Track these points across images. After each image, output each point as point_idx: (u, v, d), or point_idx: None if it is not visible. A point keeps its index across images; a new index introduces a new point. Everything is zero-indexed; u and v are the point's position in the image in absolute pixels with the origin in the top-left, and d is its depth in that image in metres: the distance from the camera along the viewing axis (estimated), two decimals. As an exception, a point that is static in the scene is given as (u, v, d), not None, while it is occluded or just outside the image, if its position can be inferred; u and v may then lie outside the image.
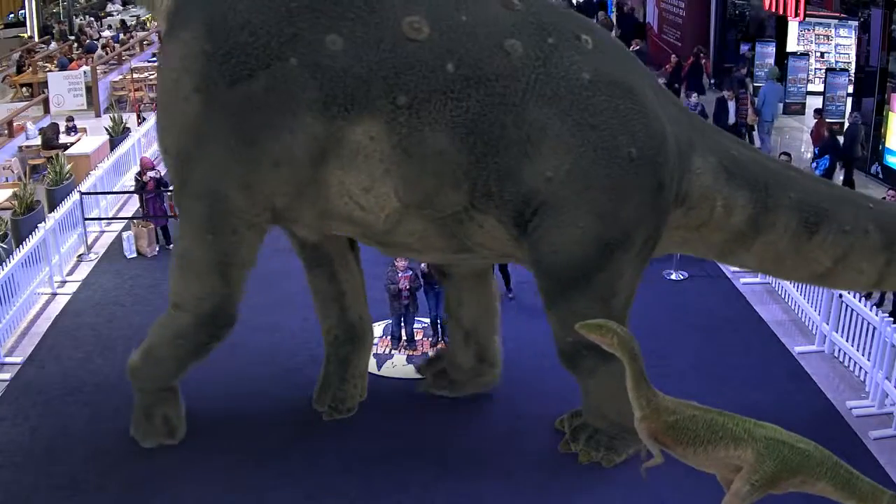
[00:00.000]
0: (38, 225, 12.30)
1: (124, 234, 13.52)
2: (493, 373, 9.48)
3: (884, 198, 12.16)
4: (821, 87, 20.13)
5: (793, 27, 22.50)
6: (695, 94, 17.30)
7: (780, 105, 19.83)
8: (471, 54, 7.28)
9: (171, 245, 13.32)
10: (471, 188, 7.50)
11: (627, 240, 7.64)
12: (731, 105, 17.09)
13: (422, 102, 7.24)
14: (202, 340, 8.26)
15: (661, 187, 7.68)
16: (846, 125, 17.35)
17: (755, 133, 18.44)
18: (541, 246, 7.63)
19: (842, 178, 15.61)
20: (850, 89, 19.69)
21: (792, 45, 22.59)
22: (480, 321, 9.29)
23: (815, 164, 15.64)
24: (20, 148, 18.22)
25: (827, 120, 19.02)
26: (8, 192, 14.79)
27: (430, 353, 10.33)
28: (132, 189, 14.67)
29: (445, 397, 9.58)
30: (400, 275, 10.25)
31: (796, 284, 11.46)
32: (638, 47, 22.81)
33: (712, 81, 22.07)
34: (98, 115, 21.32)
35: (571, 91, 7.36)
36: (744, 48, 22.73)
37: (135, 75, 23.40)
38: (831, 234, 8.11)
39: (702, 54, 21.63)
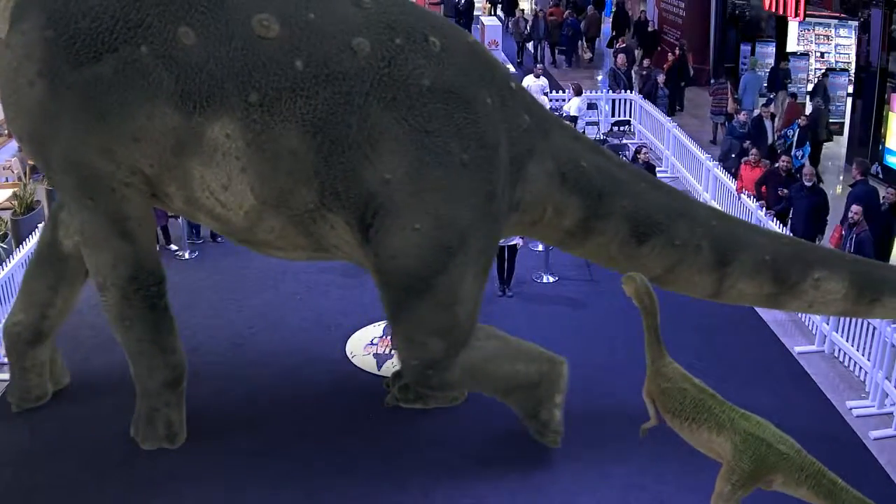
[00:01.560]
0: (38, 225, 12.29)
1: (124, 234, 13.49)
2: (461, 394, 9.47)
3: (884, 196, 12.18)
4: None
5: (793, 27, 22.51)
6: (744, 112, 16.47)
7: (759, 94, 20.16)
8: (319, 52, 7.34)
9: (171, 245, 13.33)
10: (321, 187, 7.56)
11: (465, 244, 7.71)
12: (769, 123, 16.39)
13: (273, 100, 7.30)
14: (142, 308, 8.22)
15: (493, 195, 7.78)
16: (809, 109, 17.95)
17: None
18: (380, 252, 7.68)
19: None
20: (850, 89, 19.73)
21: (792, 45, 22.60)
22: None
23: (799, 153, 15.41)
24: (20, 148, 18.17)
25: (831, 120, 19.17)
26: (8, 192, 14.77)
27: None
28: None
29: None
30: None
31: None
32: (625, 45, 22.95)
33: (691, 75, 22.03)
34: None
35: (410, 97, 7.41)
36: (744, 48, 22.74)
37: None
38: (659, 246, 8.30)
39: (686, 48, 21.77)
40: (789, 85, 19.82)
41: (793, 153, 15.32)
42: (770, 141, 16.04)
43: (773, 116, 16.95)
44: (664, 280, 8.60)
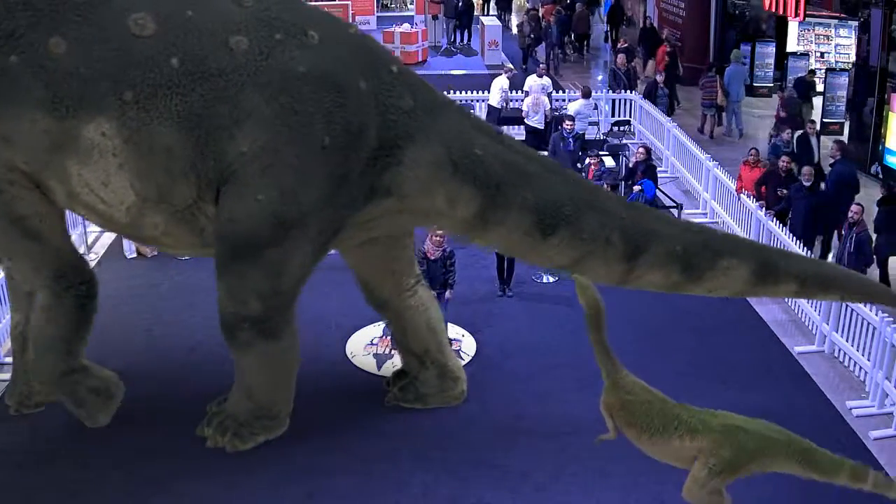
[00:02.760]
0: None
1: (124, 234, 13.51)
2: (457, 387, 9.47)
3: (883, 194, 12.23)
4: (821, 87, 20.13)
5: (793, 27, 22.51)
6: (788, 131, 15.74)
7: (744, 86, 20.25)
8: (195, 50, 7.45)
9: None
10: (197, 181, 7.68)
11: (303, 222, 7.80)
12: (815, 141, 15.55)
13: (148, 98, 7.39)
14: (72, 307, 8.40)
15: (344, 181, 7.84)
16: (783, 98, 18.27)
17: (724, 113, 19.67)
18: (221, 213, 7.80)
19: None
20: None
21: (792, 45, 22.60)
22: (429, 343, 9.31)
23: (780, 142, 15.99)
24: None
25: (825, 120, 19.17)
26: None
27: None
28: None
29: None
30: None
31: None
32: (626, 45, 22.98)
33: (679, 72, 21.95)
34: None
35: (284, 80, 7.56)
36: (744, 48, 22.74)
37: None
38: (567, 239, 8.19)
39: (678, 45, 21.84)
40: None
41: (774, 142, 16.19)
42: (817, 159, 15.01)
43: (818, 134, 16.26)
44: (570, 270, 8.48)
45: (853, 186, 13.30)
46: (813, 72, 19.69)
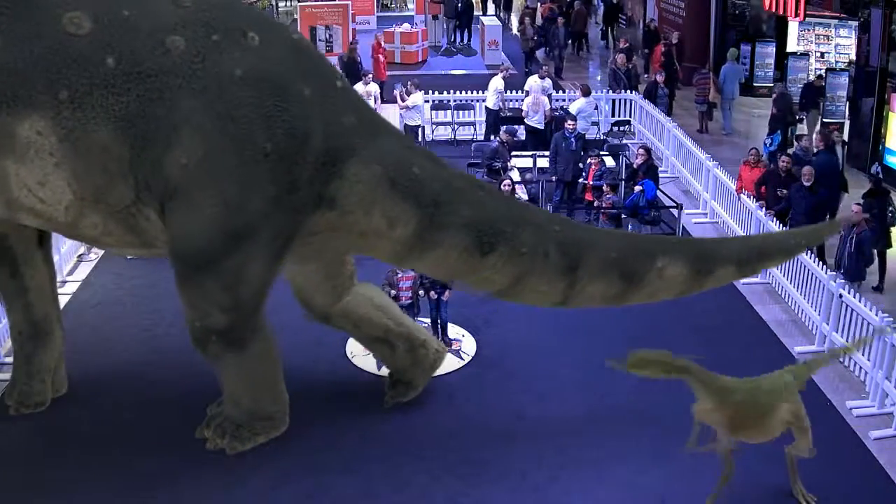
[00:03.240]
0: (38, 225, 12.28)
1: (124, 234, 13.49)
2: (430, 352, 9.43)
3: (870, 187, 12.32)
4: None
5: (793, 27, 22.50)
6: (805, 139, 15.26)
7: (738, 84, 20.43)
8: (131, 49, 7.37)
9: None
10: (135, 182, 7.62)
11: (254, 232, 7.77)
12: (839, 150, 15.47)
13: (83, 97, 7.33)
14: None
15: (293, 187, 7.78)
16: (775, 95, 18.13)
17: (716, 110, 19.93)
18: (172, 229, 7.79)
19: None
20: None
21: (792, 45, 22.60)
22: (384, 321, 9.29)
23: (768, 141, 16.63)
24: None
25: (825, 120, 19.18)
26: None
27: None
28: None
29: (443, 398, 9.59)
30: (400, 275, 10.25)
31: (796, 284, 11.47)
32: (627, 45, 23.00)
33: (677, 72, 21.87)
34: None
35: (220, 85, 7.46)
36: (744, 48, 22.75)
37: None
38: (506, 256, 8.13)
39: (673, 43, 21.84)
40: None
41: (764, 140, 16.83)
42: (840, 168, 14.59)
43: (844, 143, 16.09)
44: (510, 293, 8.44)
45: (834, 177, 13.49)
46: (821, 76, 19.35)
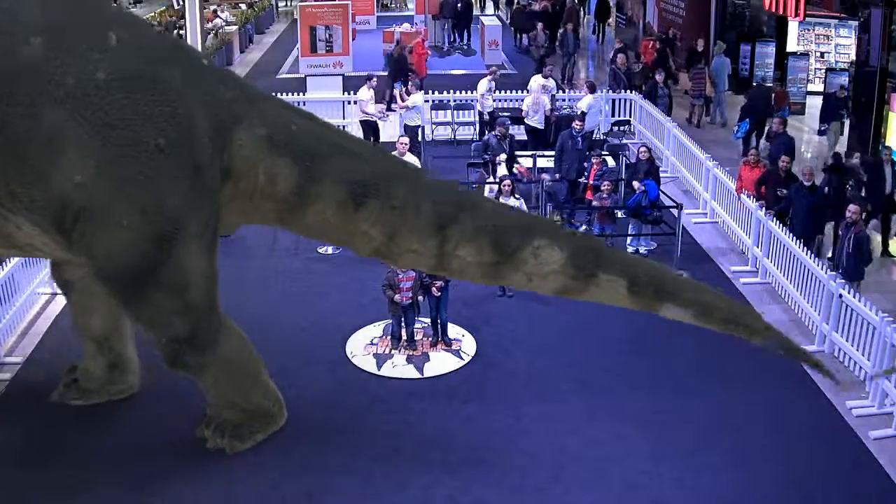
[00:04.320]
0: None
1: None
2: (125, 381, 9.44)
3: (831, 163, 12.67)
4: (821, 87, 20.15)
5: (793, 27, 22.51)
6: (857, 154, 14.57)
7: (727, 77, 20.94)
8: None
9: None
10: (6, 184, 7.41)
11: (181, 228, 7.67)
12: (889, 169, 14.24)
13: None
14: None
15: (200, 169, 7.72)
16: (754, 87, 19.15)
17: (712, 104, 20.43)
18: (94, 254, 7.65)
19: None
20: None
21: (792, 45, 22.61)
22: (112, 329, 9.25)
23: (735, 128, 17.97)
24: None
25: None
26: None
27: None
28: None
29: (443, 398, 9.60)
30: (400, 275, 10.25)
31: (796, 284, 11.47)
32: (622, 45, 23.11)
33: (672, 68, 21.95)
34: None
35: (85, 92, 7.26)
36: (744, 48, 22.76)
37: (135, 75, 23.37)
38: (378, 209, 8.08)
39: (668, 41, 22.06)
40: (841, 113, 17.91)
41: (735, 127, 18.06)
42: (889, 190, 13.62)
43: (892, 161, 14.95)
44: (387, 252, 8.40)
45: (791, 156, 14.05)
46: (844, 87, 18.32)
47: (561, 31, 26.32)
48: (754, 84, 19.48)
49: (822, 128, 18.10)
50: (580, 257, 8.10)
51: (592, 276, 8.11)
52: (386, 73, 21.27)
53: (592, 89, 17.88)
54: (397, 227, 8.14)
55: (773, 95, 18.68)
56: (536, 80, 18.19)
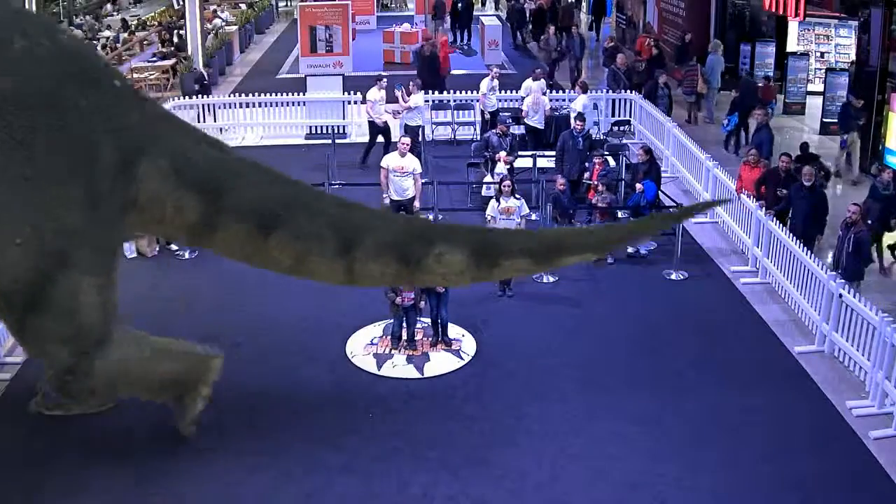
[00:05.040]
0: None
1: (124, 234, 13.49)
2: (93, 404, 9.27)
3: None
4: (821, 87, 20.15)
5: (793, 27, 22.50)
6: (889, 170, 13.56)
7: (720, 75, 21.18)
8: None
9: (172, 245, 13.32)
10: None
11: (72, 254, 7.55)
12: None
13: None
14: None
15: (97, 200, 7.61)
16: (742, 81, 19.40)
17: (703, 101, 20.59)
18: None
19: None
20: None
21: (792, 45, 22.60)
22: None
23: (725, 121, 18.27)
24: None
25: (825, 120, 19.21)
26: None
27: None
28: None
29: (443, 398, 9.60)
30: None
31: (796, 284, 11.47)
32: (612, 44, 23.24)
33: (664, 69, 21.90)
34: (98, 115, 21.30)
35: None
36: (744, 48, 22.77)
37: (135, 75, 23.42)
38: (285, 239, 8.20)
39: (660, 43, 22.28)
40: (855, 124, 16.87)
41: (722, 120, 18.44)
42: None
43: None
44: (300, 272, 8.53)
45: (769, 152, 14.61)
46: (856, 97, 17.15)
47: (552, 34, 26.23)
48: (740, 78, 19.91)
49: (843, 138, 16.89)
50: (480, 253, 8.47)
51: (496, 265, 8.59)
52: (416, 72, 21.39)
53: (585, 89, 17.91)
54: (304, 253, 8.28)
55: (759, 89, 18.98)
56: (530, 83, 18.18)
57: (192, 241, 8.64)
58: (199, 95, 19.83)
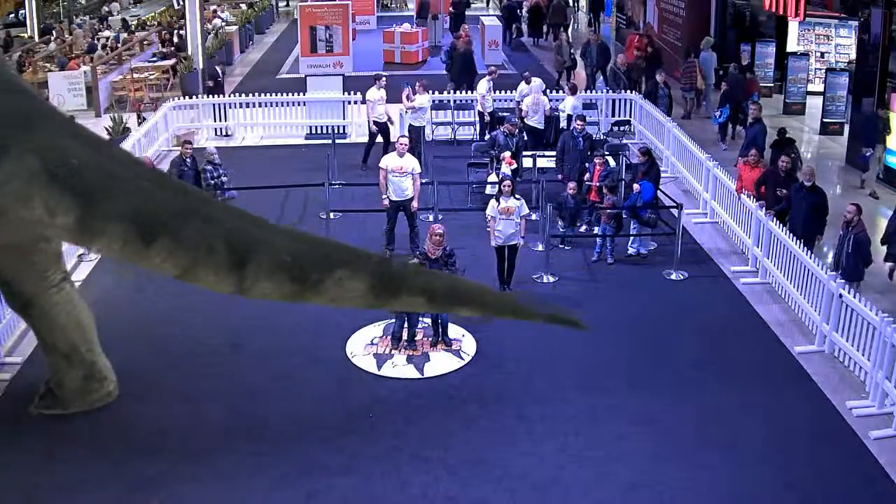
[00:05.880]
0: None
1: (124, 234, 13.47)
2: (103, 388, 9.45)
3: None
4: (821, 87, 20.15)
5: (793, 27, 22.50)
6: None
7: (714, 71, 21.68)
8: None
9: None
10: None
11: None
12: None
13: None
14: None
15: None
16: (728, 72, 19.99)
17: (702, 97, 21.06)
18: None
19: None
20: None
21: (792, 45, 22.60)
22: (77, 341, 9.26)
23: (718, 113, 18.71)
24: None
25: (825, 120, 19.21)
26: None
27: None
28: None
29: (443, 398, 9.60)
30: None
31: (796, 284, 11.47)
32: (599, 41, 23.41)
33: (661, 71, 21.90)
34: (98, 115, 21.29)
35: None
36: (744, 48, 22.76)
37: (135, 75, 23.40)
38: (169, 248, 8.02)
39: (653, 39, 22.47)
40: None
41: (713, 112, 19.19)
42: None
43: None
44: (190, 280, 8.35)
45: (760, 149, 14.48)
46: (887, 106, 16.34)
47: (565, 42, 26.02)
48: (728, 72, 20.24)
49: (867, 153, 15.94)
50: (382, 285, 8.49)
51: (395, 297, 8.66)
52: (447, 71, 21.61)
53: (574, 91, 17.90)
54: (191, 264, 8.08)
55: (745, 83, 19.45)
56: (524, 86, 18.15)
57: (73, 241, 8.53)
58: (213, 94, 19.78)
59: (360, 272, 8.30)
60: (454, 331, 10.87)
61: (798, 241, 11.55)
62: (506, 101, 18.87)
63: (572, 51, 24.23)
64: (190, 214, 8.10)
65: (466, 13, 31.10)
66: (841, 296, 10.25)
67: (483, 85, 18.33)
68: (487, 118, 18.08)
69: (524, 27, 31.18)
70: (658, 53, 22.27)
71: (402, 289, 8.56)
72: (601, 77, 22.54)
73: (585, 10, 34.37)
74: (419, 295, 8.60)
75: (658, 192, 13.87)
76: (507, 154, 14.68)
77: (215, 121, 19.58)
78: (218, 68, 21.54)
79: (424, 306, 8.94)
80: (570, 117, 16.68)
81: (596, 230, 13.57)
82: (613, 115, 19.48)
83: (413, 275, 8.92)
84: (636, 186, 13.45)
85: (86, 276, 12.65)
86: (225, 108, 19.61)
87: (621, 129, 18.99)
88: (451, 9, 30.73)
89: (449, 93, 19.78)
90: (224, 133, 19.69)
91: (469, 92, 19.61)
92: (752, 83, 19.77)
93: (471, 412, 9.33)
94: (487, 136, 16.77)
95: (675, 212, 13.18)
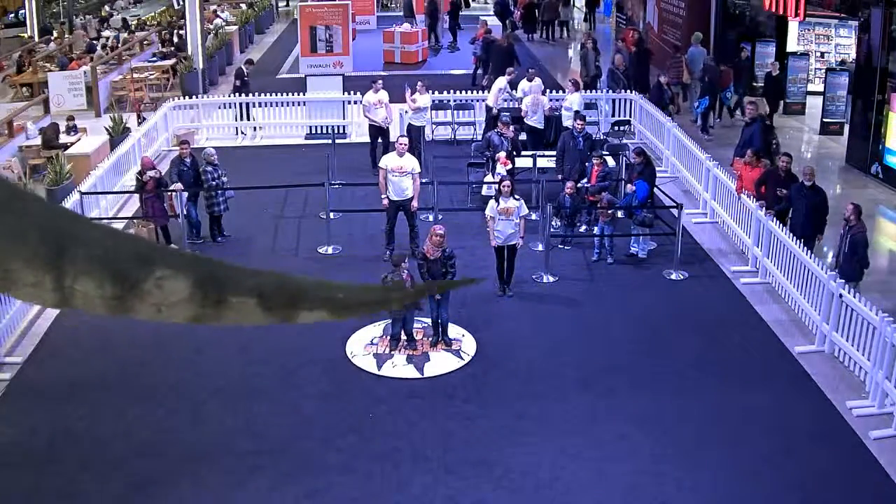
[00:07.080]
0: (38, 225, 12.25)
1: (124, 234, 13.47)
2: None
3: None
4: (821, 87, 20.15)
5: (793, 27, 22.50)
6: None
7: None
8: None
9: (171, 245, 13.32)
10: None
11: None
12: None
13: None
14: None
15: None
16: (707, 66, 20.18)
17: (689, 91, 21.18)
18: None
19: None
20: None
21: (792, 45, 22.60)
22: None
23: (696, 104, 19.47)
24: (20, 148, 18.15)
25: (825, 120, 19.21)
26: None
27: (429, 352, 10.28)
28: (132, 189, 14.66)
29: (443, 398, 9.59)
30: (405, 275, 10.24)
31: (796, 284, 11.47)
32: (592, 41, 23.43)
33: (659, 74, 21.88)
34: (98, 115, 21.29)
35: None
36: (744, 47, 22.76)
37: (135, 75, 23.40)
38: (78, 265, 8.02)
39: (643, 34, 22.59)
40: None
41: (693, 103, 19.94)
42: None
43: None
44: (6, 287, 8.27)
45: (763, 147, 14.46)
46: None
47: (591, 48, 25.64)
48: (704, 64, 20.48)
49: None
50: (206, 285, 8.23)
51: (223, 300, 8.29)
52: (483, 67, 21.87)
53: (577, 87, 17.87)
54: (5, 258, 8.02)
55: (721, 74, 19.96)
56: (526, 84, 18.14)
57: None
58: (241, 93, 19.74)
59: (180, 270, 8.13)
60: (454, 331, 10.87)
61: (798, 241, 11.55)
62: (506, 100, 18.86)
63: (598, 60, 22.77)
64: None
65: (464, 13, 31.40)
66: (841, 296, 10.25)
67: (501, 81, 18.31)
68: (495, 112, 18.03)
69: (517, 23, 31.53)
70: (648, 52, 22.32)
71: (229, 289, 8.15)
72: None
73: (581, 6, 34.71)
74: (249, 296, 8.23)
75: (654, 191, 13.87)
76: (503, 154, 14.68)
77: (237, 120, 19.62)
78: (244, 67, 21.33)
79: (258, 312, 8.45)
80: (577, 113, 16.52)
81: (595, 230, 13.57)
82: (613, 115, 19.48)
83: (244, 273, 8.73)
84: (630, 187, 13.46)
85: (86, 276, 12.66)
86: (248, 106, 19.60)
87: (621, 129, 18.98)
88: (446, 9, 30.81)
89: (485, 83, 19.89)
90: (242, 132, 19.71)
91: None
92: (726, 74, 20.16)
93: (471, 412, 9.33)
94: (487, 135, 16.74)
95: (675, 212, 13.17)
